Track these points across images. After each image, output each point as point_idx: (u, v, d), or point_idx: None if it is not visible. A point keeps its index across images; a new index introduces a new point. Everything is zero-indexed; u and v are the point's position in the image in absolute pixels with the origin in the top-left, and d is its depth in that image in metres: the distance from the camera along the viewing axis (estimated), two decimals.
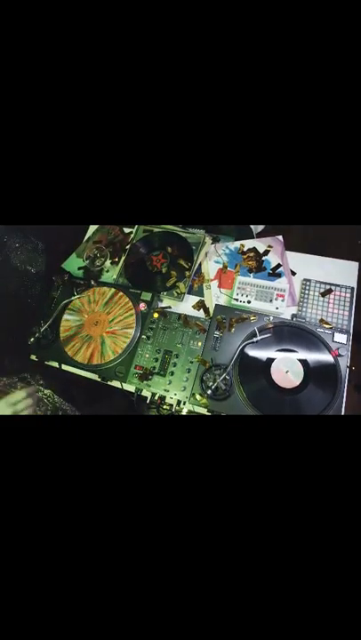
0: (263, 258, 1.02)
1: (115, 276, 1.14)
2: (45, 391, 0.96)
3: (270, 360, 0.86)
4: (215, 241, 1.10)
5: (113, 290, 1.06)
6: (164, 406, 0.93)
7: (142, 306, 1.02)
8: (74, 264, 1.21)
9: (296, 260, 1.03)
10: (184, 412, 0.92)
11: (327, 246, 1.04)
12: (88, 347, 1.02)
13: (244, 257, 1.03)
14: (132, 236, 1.19)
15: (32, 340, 1.04)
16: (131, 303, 1.03)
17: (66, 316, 1.07)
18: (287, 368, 0.85)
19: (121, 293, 1.05)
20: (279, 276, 0.99)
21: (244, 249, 1.05)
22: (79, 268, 1.20)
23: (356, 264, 0.98)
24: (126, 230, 1.22)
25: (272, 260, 1.02)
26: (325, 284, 0.96)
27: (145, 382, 0.94)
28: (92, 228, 1.27)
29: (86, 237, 1.26)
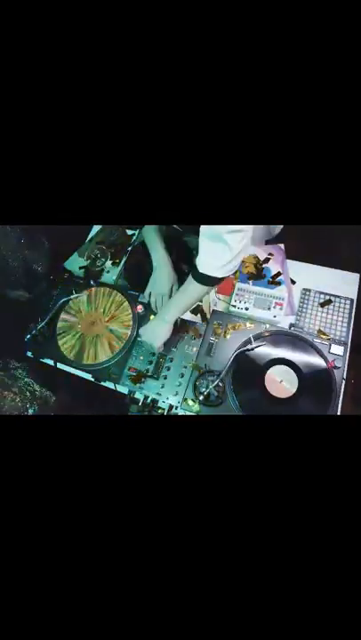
0: (263, 265, 1.02)
1: (115, 277, 1.14)
2: (26, 379, 0.95)
3: (265, 369, 0.85)
4: None
5: (117, 293, 1.06)
6: (158, 410, 0.92)
7: (139, 307, 1.02)
8: (75, 263, 1.22)
9: (297, 269, 1.02)
10: None
11: (329, 257, 1.03)
12: (84, 346, 1.02)
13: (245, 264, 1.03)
14: (134, 238, 1.19)
15: (28, 336, 1.04)
16: (128, 304, 1.03)
17: (63, 316, 1.07)
18: (281, 378, 0.84)
19: (120, 295, 1.05)
20: (279, 284, 0.99)
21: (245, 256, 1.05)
22: (80, 268, 1.20)
23: (358, 275, 0.97)
24: (128, 232, 1.22)
25: (272, 267, 1.01)
26: (325, 294, 0.95)
27: (138, 385, 0.94)
28: (96, 227, 1.28)
29: (89, 237, 1.27)
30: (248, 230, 0.67)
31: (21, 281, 1.05)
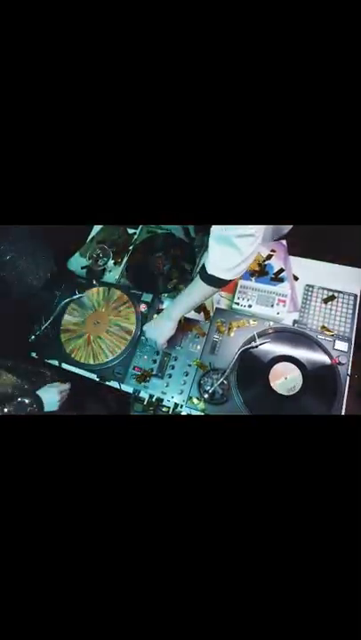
0: (266, 262, 1.01)
1: (117, 277, 1.14)
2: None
3: (269, 366, 0.85)
4: None
5: (120, 292, 1.06)
6: (163, 409, 0.93)
7: (143, 307, 1.02)
8: (77, 263, 1.22)
9: (300, 265, 1.02)
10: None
11: (332, 252, 1.03)
12: (88, 346, 1.02)
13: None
14: (136, 237, 1.19)
15: (32, 337, 1.04)
16: (131, 304, 1.03)
17: (67, 317, 1.08)
18: (286, 374, 0.84)
19: (123, 295, 1.05)
20: (281, 280, 0.98)
21: None
22: (82, 268, 1.20)
23: None
24: (130, 231, 1.22)
25: (275, 264, 1.01)
26: (329, 290, 0.95)
27: (143, 384, 0.94)
28: (97, 227, 1.28)
29: (90, 237, 1.27)
30: (259, 236, 0.66)
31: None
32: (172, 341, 0.93)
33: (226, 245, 0.67)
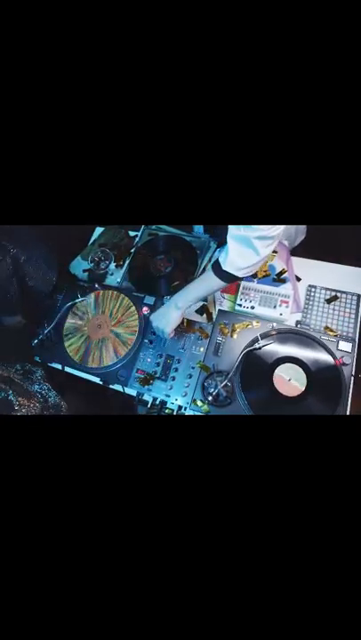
0: (268, 263, 1.01)
1: (119, 280, 1.14)
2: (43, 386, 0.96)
3: (273, 367, 0.85)
4: (220, 245, 1.09)
5: (122, 296, 1.06)
6: (166, 411, 0.93)
7: (145, 309, 1.02)
8: (79, 266, 1.22)
9: (302, 265, 1.02)
10: None
11: (334, 252, 1.03)
12: (91, 349, 1.02)
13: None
14: (137, 239, 1.19)
15: (35, 341, 1.04)
16: (134, 307, 1.03)
17: (69, 320, 1.08)
18: (290, 376, 0.84)
19: (125, 298, 1.05)
20: (284, 281, 0.98)
21: None
22: (84, 271, 1.20)
23: None
24: (131, 234, 1.22)
25: (277, 265, 1.01)
26: (331, 290, 0.95)
27: (146, 386, 0.94)
28: (98, 230, 1.28)
29: (92, 240, 1.27)
30: (278, 238, 0.69)
31: (18, 305, 1.02)
32: (174, 345, 0.93)
33: (245, 246, 0.70)
